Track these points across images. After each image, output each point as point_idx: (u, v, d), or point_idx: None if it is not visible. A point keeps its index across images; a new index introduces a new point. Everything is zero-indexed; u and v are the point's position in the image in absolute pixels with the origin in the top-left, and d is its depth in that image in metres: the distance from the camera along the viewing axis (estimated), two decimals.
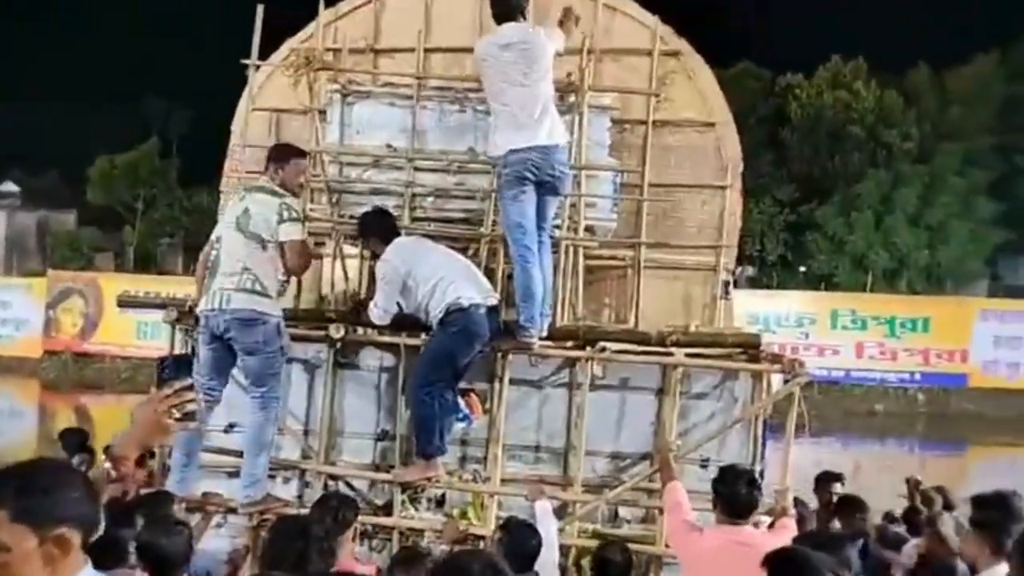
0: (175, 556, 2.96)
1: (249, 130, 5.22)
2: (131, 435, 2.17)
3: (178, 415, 2.11)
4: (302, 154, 4.68)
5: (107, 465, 2.23)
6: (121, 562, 3.04)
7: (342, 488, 4.78)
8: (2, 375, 25.43)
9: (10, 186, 40.47)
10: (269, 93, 5.37)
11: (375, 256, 4.65)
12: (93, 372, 26.02)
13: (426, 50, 5.20)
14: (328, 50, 5.19)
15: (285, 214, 4.39)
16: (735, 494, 3.51)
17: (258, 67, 5.16)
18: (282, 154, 4.61)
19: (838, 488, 5.70)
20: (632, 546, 4.47)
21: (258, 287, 4.33)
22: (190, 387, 2.18)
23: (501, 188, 4.58)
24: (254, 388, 4.44)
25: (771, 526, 4.03)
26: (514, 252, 4.55)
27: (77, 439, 5.97)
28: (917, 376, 23.66)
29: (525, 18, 4.61)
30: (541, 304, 4.55)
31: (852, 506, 5.10)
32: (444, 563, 2.35)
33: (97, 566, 2.09)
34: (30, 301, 27.32)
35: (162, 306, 4.98)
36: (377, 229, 4.66)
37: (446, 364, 4.46)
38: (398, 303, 4.53)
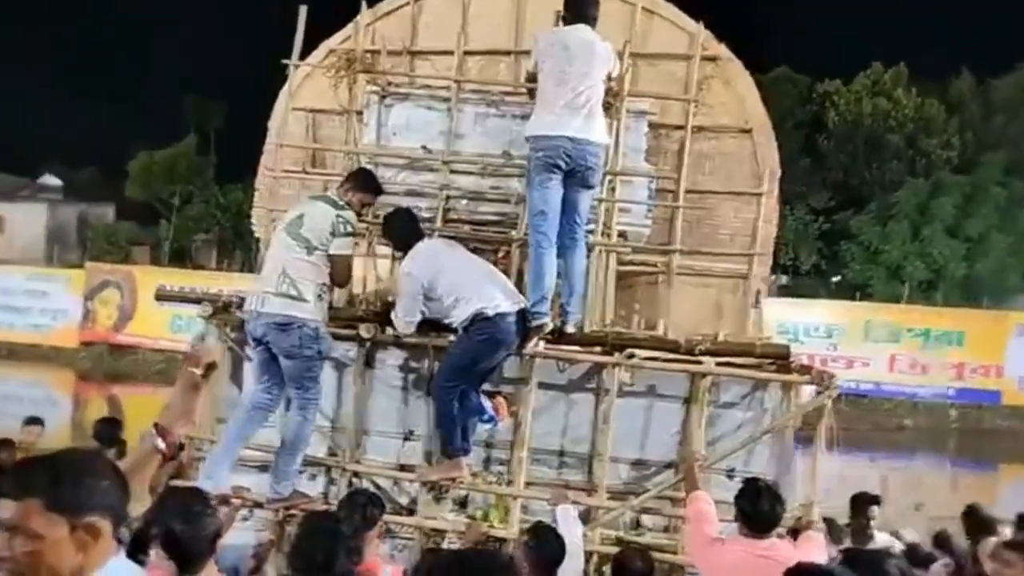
0: (200, 548, 2.99)
1: (286, 129, 5.28)
2: (172, 405, 2.24)
3: (202, 371, 2.26)
4: (378, 192, 4.76)
5: (159, 442, 2.27)
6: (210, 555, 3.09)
7: (367, 486, 4.80)
8: (40, 364, 25.96)
9: (51, 179, 41.32)
10: (306, 93, 5.43)
11: (395, 257, 4.69)
12: (127, 363, 26.44)
13: (463, 53, 5.22)
14: (367, 51, 5.23)
15: (340, 228, 4.43)
16: (758, 511, 3.47)
17: (297, 67, 5.22)
18: (363, 183, 4.68)
19: (875, 512, 5.52)
20: (654, 555, 4.46)
21: (294, 291, 4.36)
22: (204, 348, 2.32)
23: (530, 172, 4.60)
24: (293, 390, 4.49)
25: (795, 537, 3.98)
26: (531, 237, 4.56)
27: (110, 430, 6.07)
28: (950, 391, 23.16)
29: (595, 28, 4.66)
30: (571, 297, 4.59)
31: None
32: (450, 559, 2.33)
33: (136, 553, 2.16)
34: (68, 292, 27.84)
35: (198, 301, 5.05)
36: (395, 231, 4.70)
37: (469, 369, 4.47)
38: (422, 310, 4.55)
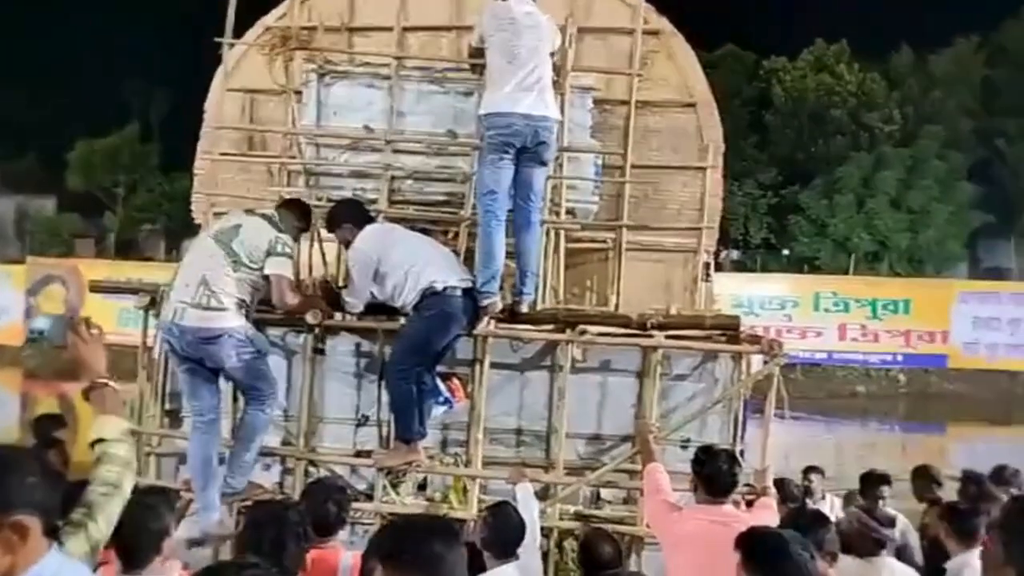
0: (144, 544, 2.91)
1: (223, 111, 5.14)
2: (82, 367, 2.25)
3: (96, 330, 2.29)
4: (308, 228, 4.68)
5: (68, 387, 2.26)
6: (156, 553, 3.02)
7: (323, 474, 4.74)
8: None
9: None
10: (244, 73, 5.28)
11: (347, 244, 4.59)
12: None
13: (403, 29, 5.13)
14: (303, 28, 5.10)
15: (279, 247, 4.27)
16: (716, 472, 3.52)
17: (232, 45, 5.07)
18: (302, 214, 4.56)
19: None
20: (614, 527, 4.50)
21: (214, 302, 4.15)
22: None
23: (483, 151, 4.56)
24: (246, 393, 4.37)
25: (750, 504, 4.05)
26: (480, 216, 4.54)
27: (48, 427, 5.82)
28: (899, 357, 23.91)
29: (536, 1, 4.63)
30: (525, 278, 4.56)
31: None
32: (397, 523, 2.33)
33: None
34: (9, 289, 26.99)
35: (135, 292, 4.90)
36: (350, 216, 4.61)
37: (423, 349, 4.43)
38: (371, 292, 4.49)
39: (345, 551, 3.62)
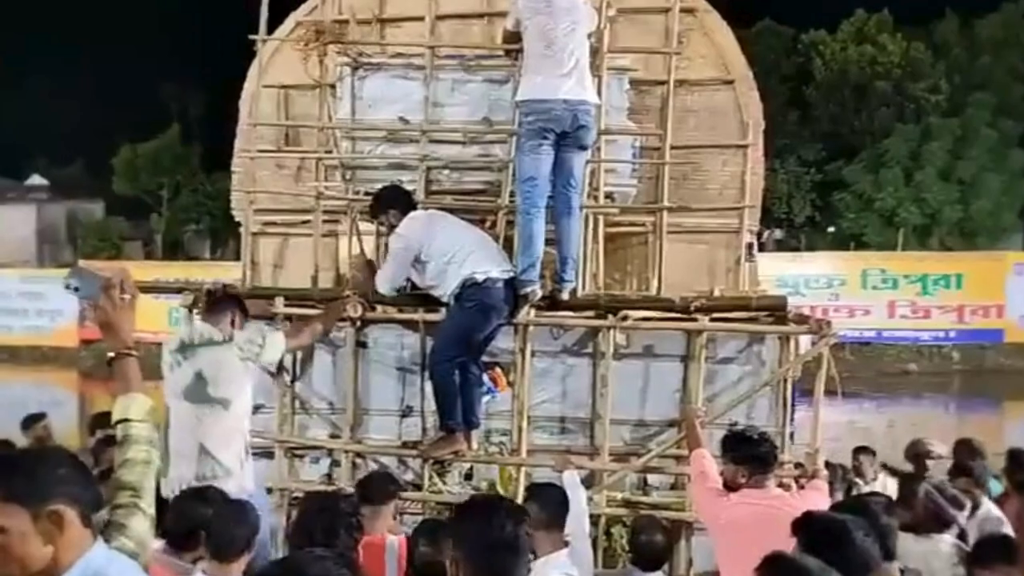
0: (239, 541, 3.04)
1: (259, 108, 5.17)
2: (108, 333, 2.17)
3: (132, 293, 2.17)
4: (235, 301, 4.27)
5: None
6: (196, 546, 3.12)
7: (371, 466, 4.79)
8: (42, 366, 25.97)
9: (37, 179, 41.02)
10: (277, 69, 5.30)
11: (391, 229, 4.59)
12: None
13: (435, 18, 5.10)
14: (335, 22, 5.10)
15: (248, 350, 3.91)
16: (757, 450, 3.48)
17: (265, 42, 5.09)
18: (216, 306, 4.18)
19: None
20: (663, 513, 4.46)
21: (219, 471, 3.79)
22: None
23: (520, 137, 4.53)
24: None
25: (800, 487, 3.98)
26: (520, 203, 4.51)
27: (106, 424, 5.99)
28: (952, 334, 23.26)
29: None
30: (566, 264, 4.52)
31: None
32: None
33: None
34: (64, 292, 27.55)
35: (179, 291, 4.98)
36: (396, 202, 4.60)
37: (464, 340, 4.44)
38: (409, 278, 4.48)
39: (391, 535, 3.69)
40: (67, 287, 2.19)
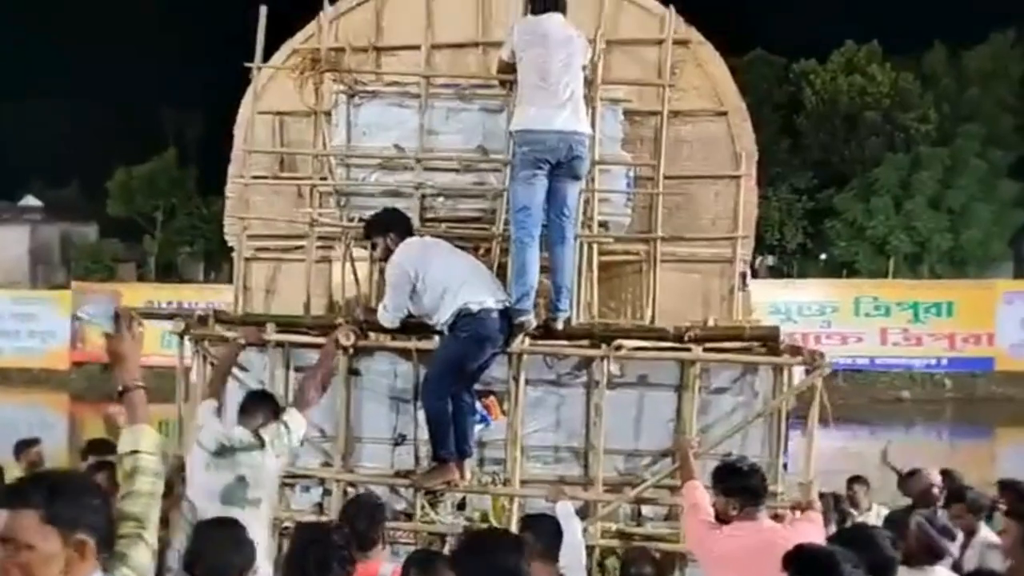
0: (232, 569, 3.00)
1: (254, 133, 5.18)
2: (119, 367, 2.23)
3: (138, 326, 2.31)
4: (270, 401, 4.24)
5: (114, 410, 2.28)
6: None
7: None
8: (32, 387, 25.77)
9: (32, 200, 40.96)
10: (272, 95, 5.31)
11: (387, 256, 4.57)
12: None
13: (431, 46, 5.15)
14: (331, 50, 5.14)
15: (279, 447, 3.91)
16: (748, 482, 3.46)
17: (260, 69, 5.12)
18: (251, 407, 4.11)
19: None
20: (656, 545, 4.43)
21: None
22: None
23: (514, 167, 4.54)
24: None
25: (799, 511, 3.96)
26: (513, 232, 4.50)
27: (101, 450, 5.93)
28: (943, 361, 23.38)
29: (565, 15, 4.61)
30: (559, 294, 4.52)
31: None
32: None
33: None
34: (56, 313, 27.62)
35: (171, 317, 4.96)
36: (396, 225, 4.58)
37: (458, 369, 4.42)
38: (408, 307, 4.48)
39: (385, 563, 3.64)
40: (80, 318, 2.24)
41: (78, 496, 1.75)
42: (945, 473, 5.64)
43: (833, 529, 4.78)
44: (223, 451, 3.93)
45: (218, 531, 3.21)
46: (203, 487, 3.91)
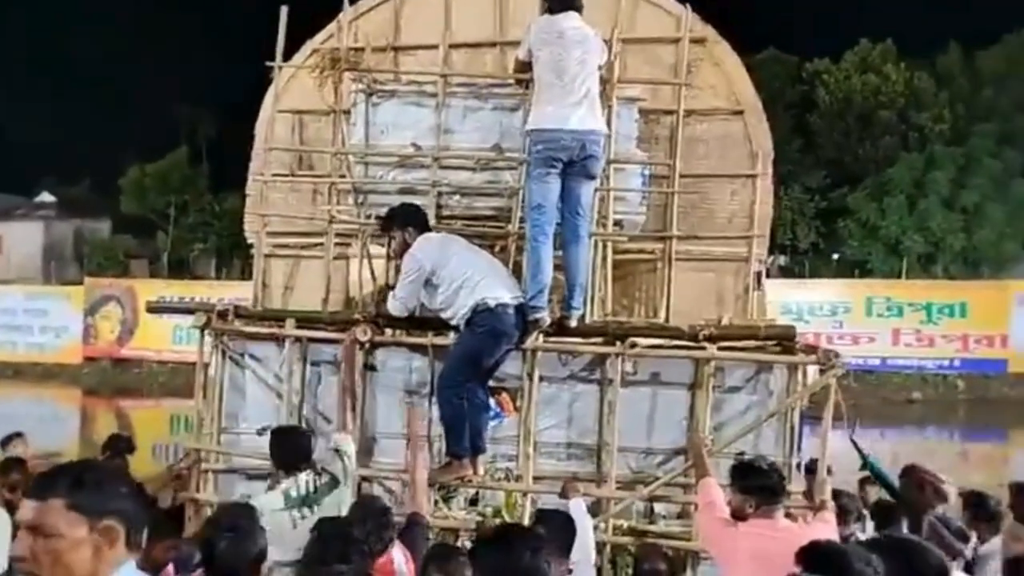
0: (241, 566, 3.00)
1: (273, 132, 5.23)
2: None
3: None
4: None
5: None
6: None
7: (376, 489, 4.78)
8: (45, 381, 26.00)
9: (46, 196, 41.23)
10: (292, 94, 5.37)
11: (403, 250, 4.60)
12: (131, 377, 26.48)
13: (448, 46, 5.18)
14: (350, 49, 5.18)
15: (349, 473, 4.06)
16: (766, 480, 3.46)
17: (281, 68, 5.16)
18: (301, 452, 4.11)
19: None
20: (669, 543, 4.44)
21: None
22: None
23: (529, 165, 4.58)
24: None
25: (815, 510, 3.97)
26: (528, 230, 4.54)
27: (119, 445, 6.03)
28: (956, 362, 23.20)
29: (582, 15, 4.63)
30: (573, 291, 4.55)
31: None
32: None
33: None
34: (69, 309, 27.87)
35: (191, 311, 5.01)
36: (414, 220, 4.64)
37: (473, 365, 4.46)
38: (422, 300, 4.52)
39: (399, 555, 3.67)
40: None
41: (103, 484, 1.78)
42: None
43: (855, 528, 4.76)
44: (306, 501, 3.88)
45: (233, 520, 3.23)
46: (290, 544, 3.52)
